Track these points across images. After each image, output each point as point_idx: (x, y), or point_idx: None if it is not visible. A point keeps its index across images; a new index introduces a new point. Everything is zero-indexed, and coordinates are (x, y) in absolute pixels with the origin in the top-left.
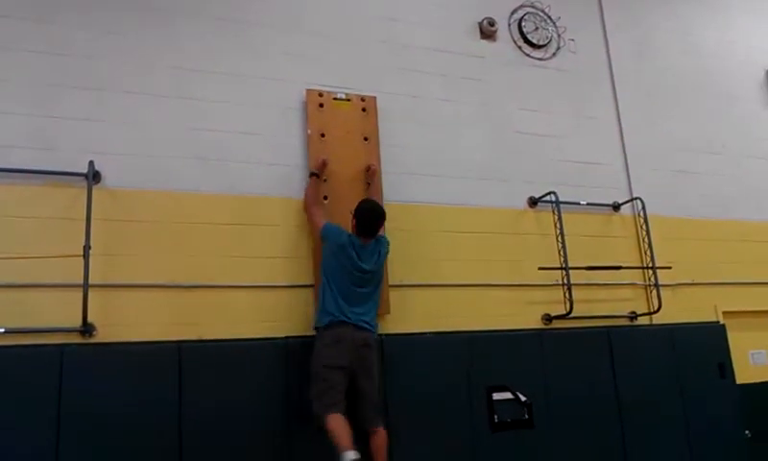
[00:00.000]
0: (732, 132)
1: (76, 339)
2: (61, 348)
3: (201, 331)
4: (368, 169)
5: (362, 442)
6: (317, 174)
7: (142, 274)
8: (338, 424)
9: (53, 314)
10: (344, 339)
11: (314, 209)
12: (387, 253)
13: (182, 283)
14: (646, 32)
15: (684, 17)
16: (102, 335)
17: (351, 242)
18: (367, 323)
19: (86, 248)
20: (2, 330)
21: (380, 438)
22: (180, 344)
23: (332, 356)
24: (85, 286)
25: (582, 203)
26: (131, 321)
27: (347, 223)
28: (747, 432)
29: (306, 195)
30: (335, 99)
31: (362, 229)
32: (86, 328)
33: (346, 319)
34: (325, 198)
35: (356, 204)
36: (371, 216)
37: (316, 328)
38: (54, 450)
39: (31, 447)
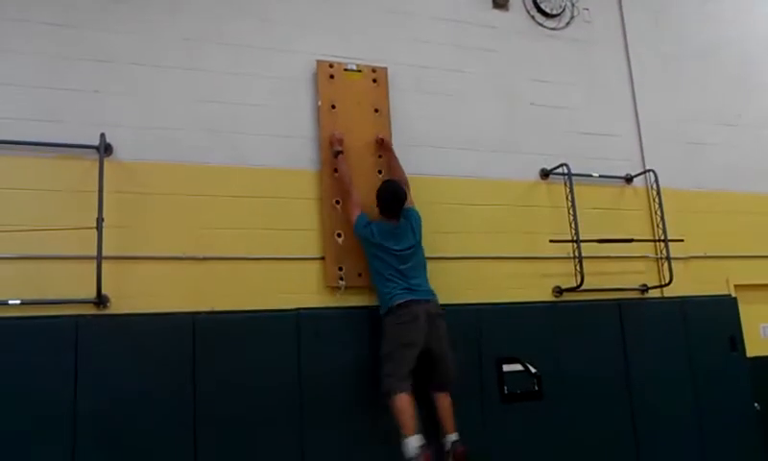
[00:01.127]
0: (748, 103)
1: (90, 310)
2: (76, 319)
3: (213, 303)
4: (381, 142)
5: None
6: (341, 151)
7: (155, 246)
8: (405, 406)
9: (67, 286)
10: (418, 316)
11: (350, 197)
12: (420, 223)
13: (195, 255)
14: (662, 0)
15: None
16: (116, 307)
17: (382, 232)
18: (432, 295)
19: (99, 220)
20: (18, 302)
21: (448, 401)
22: (193, 315)
23: (409, 335)
24: (99, 258)
25: (594, 175)
26: (144, 292)
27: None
28: (756, 405)
29: (343, 175)
30: (346, 70)
31: (386, 211)
32: (100, 300)
33: (415, 297)
34: (336, 170)
35: (367, 176)
36: (391, 198)
37: (387, 311)
38: (71, 421)
39: (46, 416)
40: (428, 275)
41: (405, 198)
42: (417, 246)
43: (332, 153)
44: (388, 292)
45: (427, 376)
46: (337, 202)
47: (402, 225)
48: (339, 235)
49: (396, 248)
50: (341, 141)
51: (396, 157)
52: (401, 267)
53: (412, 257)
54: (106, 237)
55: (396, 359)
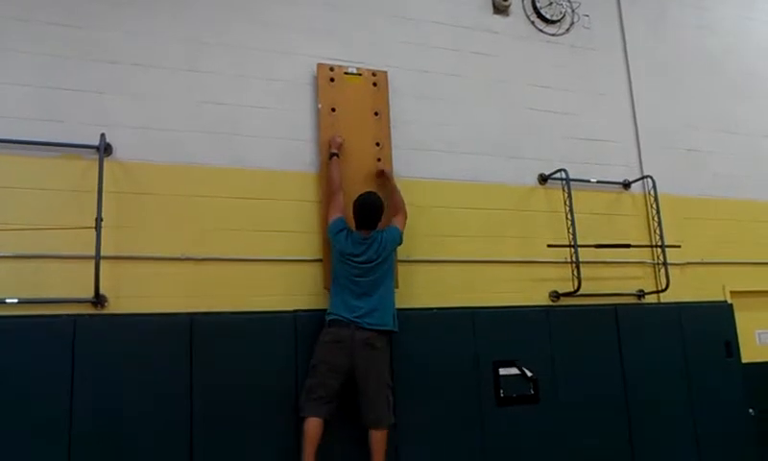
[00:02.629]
0: (746, 111)
1: (88, 310)
2: (74, 318)
3: (211, 304)
4: (381, 174)
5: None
6: (337, 154)
7: (153, 246)
8: (311, 433)
9: (65, 285)
10: (342, 340)
11: (333, 199)
12: (394, 242)
13: (193, 256)
14: (661, 8)
15: None
16: (114, 306)
17: (351, 240)
18: (370, 323)
19: (98, 220)
20: (15, 301)
21: (376, 438)
22: (191, 316)
23: (329, 357)
24: (97, 258)
25: (592, 180)
26: (142, 293)
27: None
28: (751, 411)
29: (331, 178)
30: (346, 73)
31: (359, 222)
32: (98, 300)
33: (347, 319)
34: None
35: (364, 178)
36: (364, 209)
37: (325, 323)
38: (67, 420)
39: (43, 415)
40: (392, 298)
41: (379, 211)
42: (381, 263)
43: (328, 154)
44: (332, 299)
45: (357, 410)
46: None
47: (373, 238)
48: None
49: (356, 259)
50: (339, 146)
51: (396, 188)
52: (357, 278)
53: (370, 272)
54: (104, 237)
55: (314, 377)
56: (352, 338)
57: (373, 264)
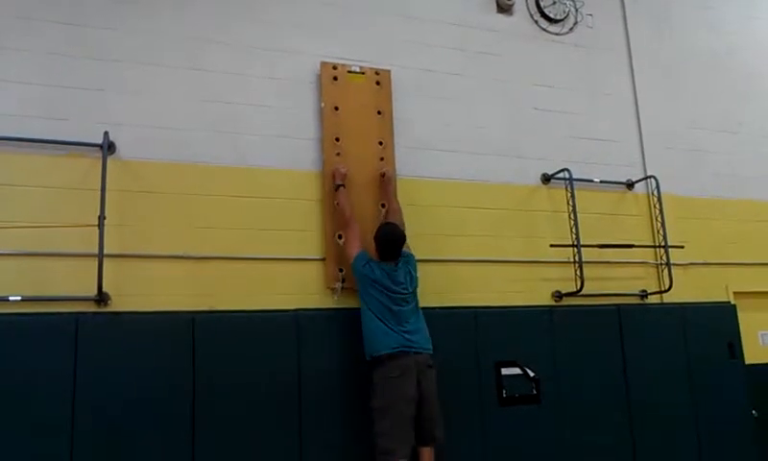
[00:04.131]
0: (750, 111)
1: (91, 308)
2: (76, 316)
3: (213, 302)
4: (382, 176)
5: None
6: (342, 185)
7: (156, 244)
8: None
9: (68, 283)
10: (410, 368)
11: (350, 232)
12: (415, 266)
13: (195, 254)
14: (665, 8)
15: None
16: (116, 304)
17: (380, 269)
18: (422, 346)
19: (101, 218)
20: (18, 298)
21: (428, 456)
22: (193, 314)
23: (403, 390)
24: (100, 256)
25: (595, 180)
26: (145, 291)
27: (358, 197)
28: (754, 412)
29: (343, 209)
30: (349, 72)
31: (384, 254)
32: (101, 298)
33: (406, 347)
34: (337, 204)
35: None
36: (390, 242)
37: (376, 360)
38: (69, 418)
39: (46, 413)
40: (424, 323)
41: (404, 241)
42: (413, 292)
43: (333, 186)
44: (377, 335)
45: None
46: (339, 236)
47: (400, 268)
48: (340, 237)
49: (392, 289)
50: (344, 176)
51: (394, 197)
52: (396, 309)
53: (406, 302)
54: (107, 235)
55: (393, 417)
56: (417, 363)
57: (408, 295)
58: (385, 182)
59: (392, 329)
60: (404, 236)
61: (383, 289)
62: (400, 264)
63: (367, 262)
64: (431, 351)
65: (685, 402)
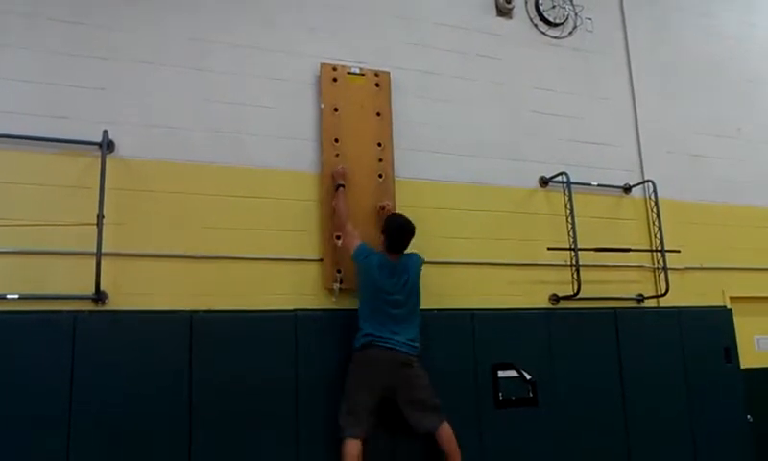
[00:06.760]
0: (748, 116)
1: (89, 306)
2: (74, 315)
3: (211, 302)
4: (382, 209)
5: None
6: (342, 185)
7: (154, 244)
8: (350, 453)
9: (66, 282)
10: (376, 361)
11: (349, 227)
12: (419, 269)
13: (194, 254)
14: (664, 12)
15: None
16: (114, 303)
17: (381, 264)
18: (403, 345)
19: (100, 216)
20: (16, 296)
21: (444, 433)
22: (191, 314)
23: (362, 377)
24: (98, 254)
25: (593, 184)
26: (143, 290)
27: (357, 199)
28: (749, 417)
29: (339, 209)
30: (349, 73)
31: (392, 244)
32: (99, 296)
33: (380, 343)
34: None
35: (367, 178)
36: (401, 232)
37: (355, 348)
38: (66, 416)
39: (43, 411)
40: (419, 324)
41: (413, 234)
42: (411, 292)
43: (334, 185)
44: (362, 328)
45: (412, 423)
46: (338, 237)
47: (402, 264)
48: (338, 238)
49: (389, 287)
50: (344, 175)
51: None
52: (389, 309)
53: (402, 303)
54: (106, 234)
55: (351, 400)
56: (389, 359)
57: (405, 293)
58: (385, 215)
59: (375, 326)
60: (414, 228)
61: (380, 285)
62: (402, 260)
63: (368, 254)
64: (411, 354)
65: (681, 406)
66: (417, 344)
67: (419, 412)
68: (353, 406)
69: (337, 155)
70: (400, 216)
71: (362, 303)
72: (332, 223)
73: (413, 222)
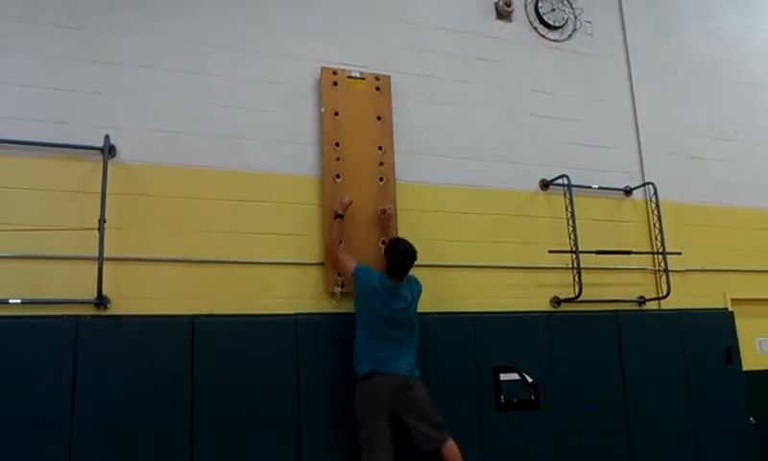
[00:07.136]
0: (748, 119)
1: (90, 311)
2: (76, 319)
3: (213, 306)
4: (383, 212)
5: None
6: (341, 215)
7: (156, 248)
8: None
9: (68, 286)
10: (381, 391)
11: (342, 256)
12: (419, 293)
13: (195, 258)
14: (664, 15)
15: (704, 1)
16: (116, 308)
17: (382, 284)
18: (396, 370)
19: (101, 221)
20: (18, 301)
21: (450, 451)
22: (192, 318)
23: (373, 409)
24: (100, 259)
25: (593, 186)
26: (144, 294)
27: (358, 202)
28: (752, 419)
29: (332, 239)
30: (349, 77)
31: (394, 269)
32: (101, 301)
33: (381, 370)
34: (338, 176)
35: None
36: (404, 257)
37: (357, 377)
38: (68, 420)
39: (45, 416)
40: (413, 350)
41: (415, 259)
42: (411, 316)
43: (333, 213)
44: (361, 354)
45: (416, 442)
46: (339, 275)
47: (403, 288)
48: (340, 242)
49: (389, 309)
50: (346, 207)
51: (394, 227)
52: (389, 330)
53: (402, 326)
54: (107, 239)
55: (367, 429)
56: (390, 385)
57: (405, 317)
58: (385, 219)
59: (373, 352)
60: (416, 254)
61: (380, 306)
62: (404, 284)
63: (369, 272)
64: (410, 375)
65: (683, 409)
66: (416, 371)
67: (424, 429)
68: (372, 438)
69: (338, 158)
70: (403, 241)
71: (359, 325)
72: (327, 253)
73: (415, 247)
